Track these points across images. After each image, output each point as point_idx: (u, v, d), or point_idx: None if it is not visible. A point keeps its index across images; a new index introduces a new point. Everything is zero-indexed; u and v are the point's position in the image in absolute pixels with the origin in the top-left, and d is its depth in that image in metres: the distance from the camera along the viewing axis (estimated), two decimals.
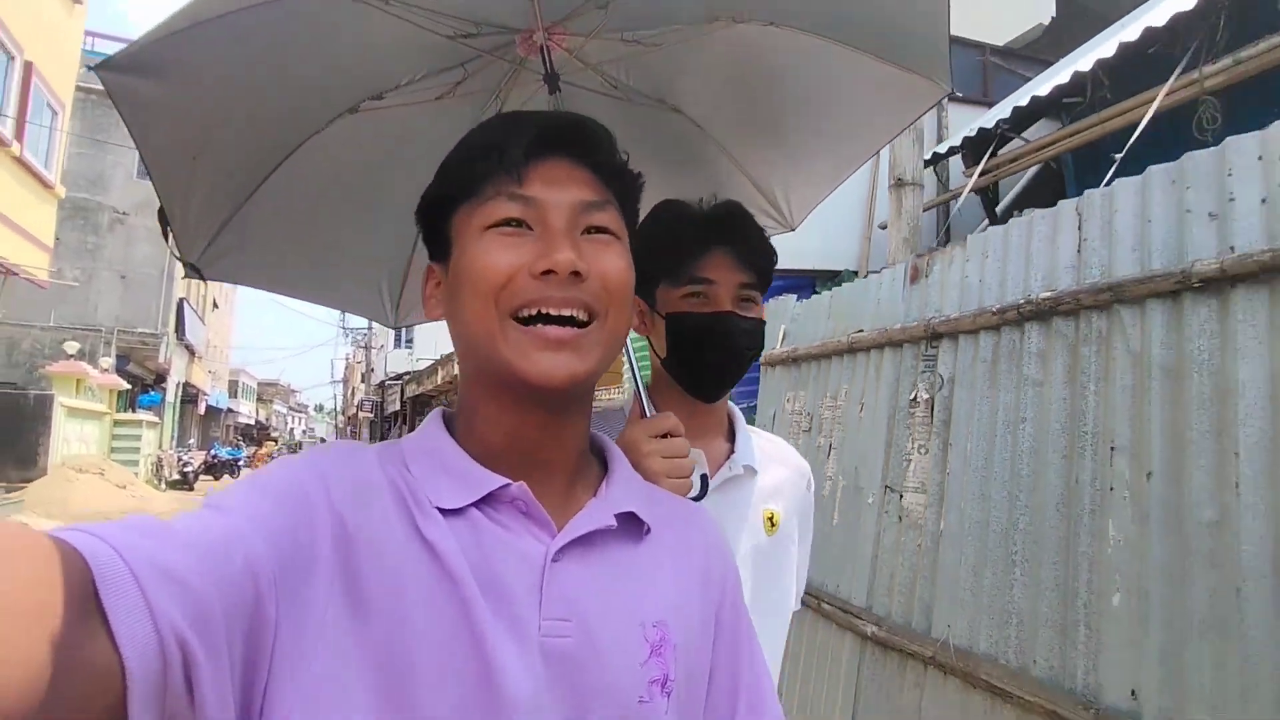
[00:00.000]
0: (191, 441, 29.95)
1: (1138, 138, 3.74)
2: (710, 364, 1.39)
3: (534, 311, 0.75)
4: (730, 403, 1.53)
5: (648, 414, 1.30)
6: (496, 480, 0.76)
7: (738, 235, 1.40)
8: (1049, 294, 2.70)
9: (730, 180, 1.98)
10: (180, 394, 27.24)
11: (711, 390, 1.44)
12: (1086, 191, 2.71)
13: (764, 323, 1.44)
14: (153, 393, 23.70)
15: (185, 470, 22.12)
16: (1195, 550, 2.12)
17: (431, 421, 0.85)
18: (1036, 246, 2.86)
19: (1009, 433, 2.83)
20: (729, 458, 1.44)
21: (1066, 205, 2.77)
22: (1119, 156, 3.55)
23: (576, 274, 0.76)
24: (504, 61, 1.70)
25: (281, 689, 0.62)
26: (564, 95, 1.61)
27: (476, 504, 0.76)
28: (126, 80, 1.48)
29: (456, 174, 0.84)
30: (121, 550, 0.51)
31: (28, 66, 13.48)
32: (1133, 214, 2.49)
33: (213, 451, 27.73)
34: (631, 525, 0.83)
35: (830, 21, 1.71)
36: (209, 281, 1.94)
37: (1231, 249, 2.15)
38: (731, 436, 1.49)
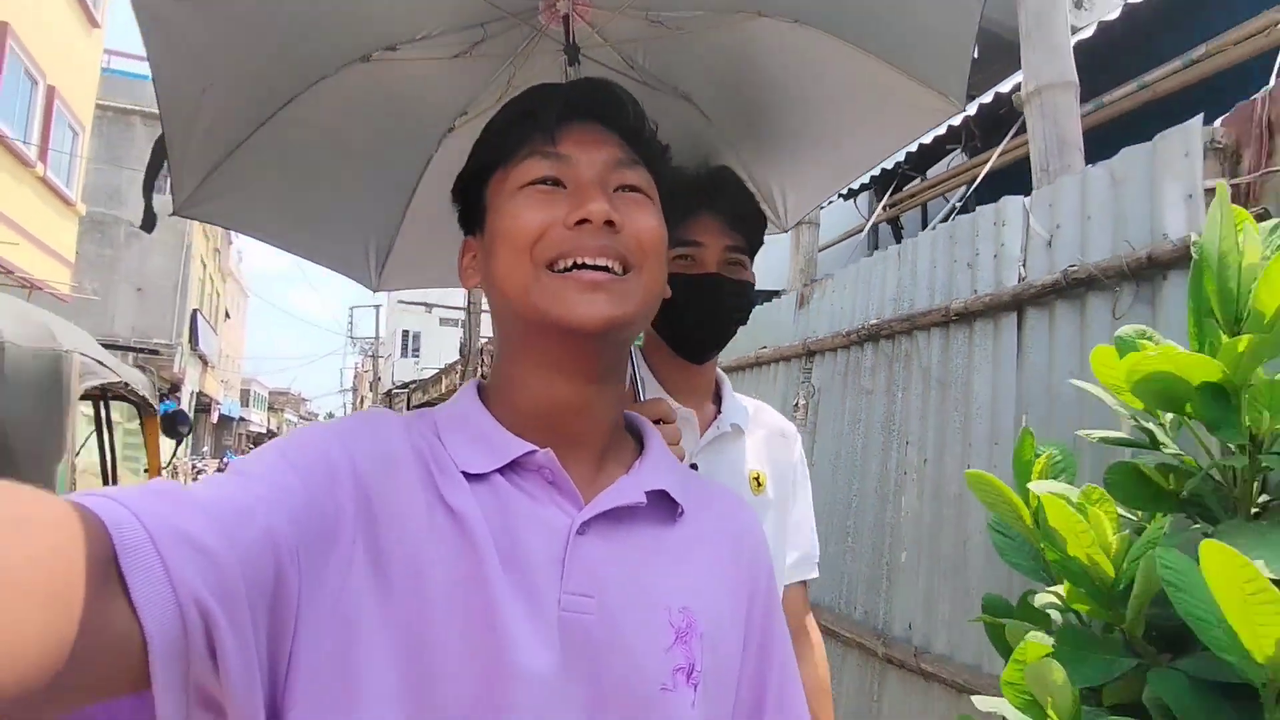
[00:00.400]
0: (205, 449, 30.97)
1: (986, 182, 4.56)
2: (697, 325, 1.43)
3: (569, 263, 0.76)
4: (718, 368, 1.59)
5: (642, 399, 1.33)
6: (523, 446, 0.76)
7: (725, 199, 1.46)
8: (876, 321, 3.49)
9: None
10: (194, 403, 28.22)
11: (699, 351, 1.48)
12: (905, 240, 3.50)
13: (752, 285, 1.50)
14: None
15: (200, 477, 23.09)
16: (946, 516, 2.90)
17: (465, 390, 0.86)
18: (874, 282, 3.65)
19: (851, 431, 3.62)
20: (717, 418, 1.49)
21: (893, 250, 3.56)
22: (959, 204, 4.33)
23: (610, 224, 0.76)
24: (525, 26, 1.69)
25: (305, 656, 0.62)
26: (581, 69, 1.64)
27: (502, 471, 0.76)
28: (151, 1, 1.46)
29: (490, 143, 0.86)
30: (141, 515, 0.51)
31: (50, 91, 14.15)
32: (928, 260, 3.27)
33: (226, 459, 28.76)
34: (664, 506, 0.82)
35: (856, 26, 1.72)
36: (193, 221, 1.87)
37: (975, 291, 2.93)
38: (719, 400, 1.54)
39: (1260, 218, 1.98)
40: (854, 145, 2.05)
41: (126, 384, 3.34)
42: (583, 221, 0.76)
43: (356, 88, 1.74)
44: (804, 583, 1.63)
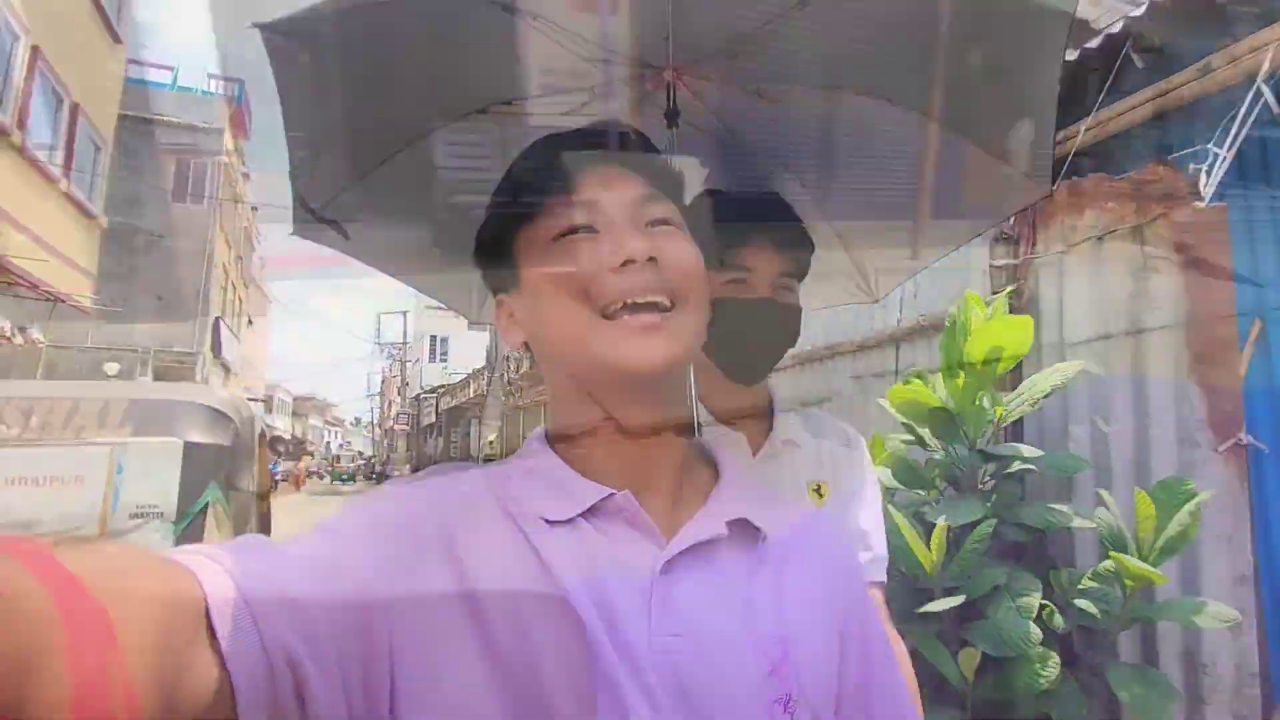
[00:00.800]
0: None
1: None
2: (747, 349, 1.48)
3: (619, 304, 0.78)
4: (770, 384, 1.63)
5: (696, 424, 1.41)
6: (600, 491, 0.79)
7: (777, 225, 1.51)
8: (810, 348, 4.51)
9: (821, 244, 1.94)
10: None
11: (749, 374, 1.53)
12: None
13: (800, 310, 1.56)
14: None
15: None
16: None
17: (534, 438, 0.89)
18: (812, 315, 4.65)
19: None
20: (769, 436, 1.53)
21: None
22: None
23: (653, 260, 0.79)
24: (629, 92, 1.85)
25: (410, 702, 0.66)
26: (680, 131, 1.77)
27: (582, 516, 0.78)
28: (285, 44, 1.58)
29: (511, 198, 0.89)
30: (232, 570, 0.57)
31: (74, 108, 14.74)
32: None
33: None
34: (746, 533, 0.84)
35: (949, 110, 1.83)
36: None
37: (873, 328, 3.94)
38: (771, 415, 1.58)
39: (1016, 294, 3.00)
40: (946, 223, 2.20)
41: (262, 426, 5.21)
42: (628, 263, 0.78)
43: (471, 135, 1.88)
44: (878, 585, 1.61)
